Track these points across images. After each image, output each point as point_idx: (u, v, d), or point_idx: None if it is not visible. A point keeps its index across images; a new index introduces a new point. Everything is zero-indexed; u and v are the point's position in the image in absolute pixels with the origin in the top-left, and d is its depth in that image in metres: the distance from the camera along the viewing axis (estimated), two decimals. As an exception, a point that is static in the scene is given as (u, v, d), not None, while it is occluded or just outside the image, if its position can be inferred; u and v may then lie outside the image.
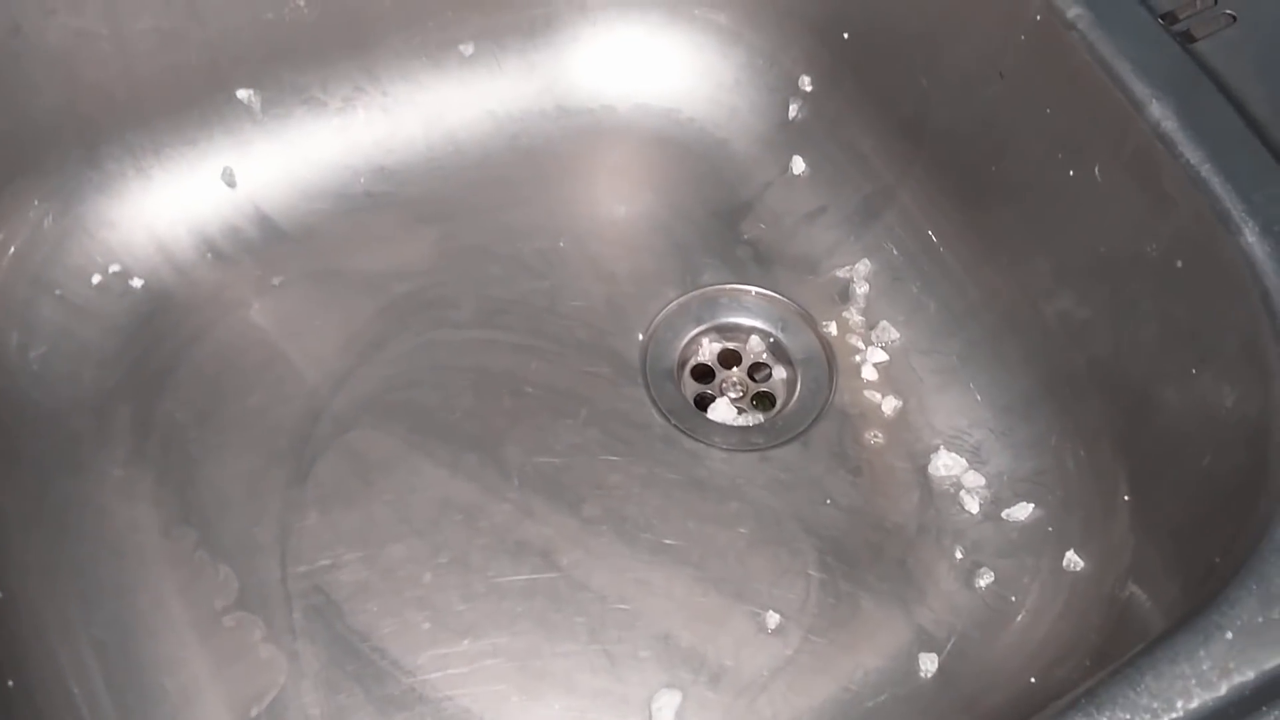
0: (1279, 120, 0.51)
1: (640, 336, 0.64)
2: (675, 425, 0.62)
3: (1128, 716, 0.37)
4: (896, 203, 0.66)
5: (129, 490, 0.57)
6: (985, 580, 0.57)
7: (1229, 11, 0.55)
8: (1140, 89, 0.52)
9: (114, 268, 0.62)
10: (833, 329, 0.65)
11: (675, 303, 0.66)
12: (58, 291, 0.61)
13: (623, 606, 0.56)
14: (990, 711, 0.52)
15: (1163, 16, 0.55)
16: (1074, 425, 0.58)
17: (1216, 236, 0.48)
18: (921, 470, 0.61)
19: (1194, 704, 0.37)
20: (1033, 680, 0.52)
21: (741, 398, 0.64)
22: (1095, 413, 0.57)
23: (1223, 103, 0.51)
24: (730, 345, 0.66)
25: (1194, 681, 0.38)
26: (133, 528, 0.56)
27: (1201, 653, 0.38)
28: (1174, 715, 0.37)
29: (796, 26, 0.69)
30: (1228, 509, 0.46)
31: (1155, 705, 0.37)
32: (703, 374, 0.65)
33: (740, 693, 0.54)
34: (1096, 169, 0.54)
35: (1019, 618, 0.56)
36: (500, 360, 0.63)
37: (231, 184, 0.65)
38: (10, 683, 0.49)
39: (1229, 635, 0.39)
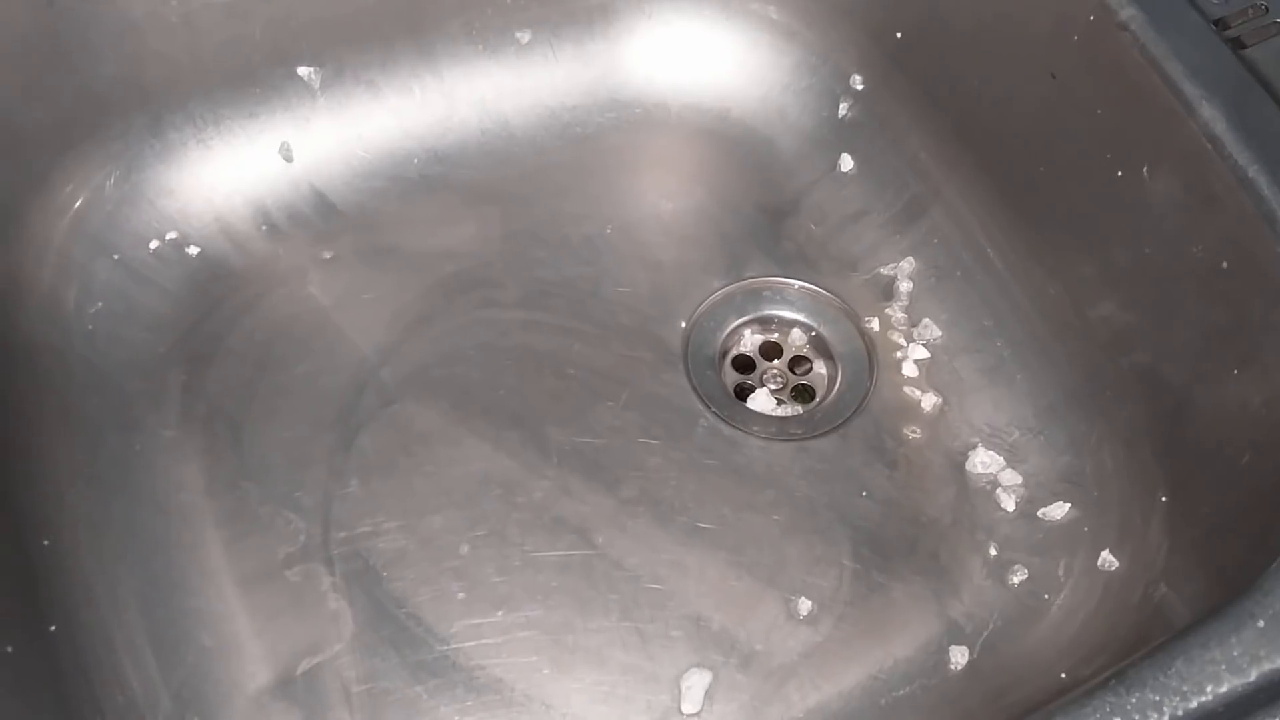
0: (1327, 125, 0.51)
1: (683, 324, 0.65)
2: (715, 412, 0.62)
3: (1157, 698, 0.37)
4: (943, 201, 0.66)
5: (178, 451, 0.58)
6: (1019, 577, 0.57)
7: (1279, 20, 0.55)
8: (1191, 90, 0.52)
9: (171, 235, 0.64)
10: (875, 325, 0.66)
11: (719, 293, 0.66)
12: (116, 256, 0.63)
13: (656, 586, 0.57)
14: (1019, 704, 0.52)
15: (1214, 23, 0.55)
16: (1114, 426, 0.58)
17: (1262, 237, 0.49)
18: (958, 467, 0.61)
19: (1223, 689, 0.38)
20: (1063, 676, 0.52)
21: (781, 389, 0.65)
22: (1136, 414, 0.57)
23: (1272, 107, 0.51)
24: (772, 338, 0.67)
25: (1224, 667, 0.38)
26: (180, 487, 0.57)
27: (1233, 639, 0.38)
28: (1203, 699, 0.37)
29: (850, 25, 0.69)
30: (1264, 507, 0.46)
31: (1185, 689, 0.37)
32: (743, 365, 0.66)
33: (769, 676, 0.55)
34: (1145, 170, 0.54)
35: (1051, 615, 0.56)
36: (544, 341, 0.64)
37: (289, 159, 0.67)
38: (53, 628, 0.50)
39: (1261, 624, 0.39)
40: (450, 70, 0.70)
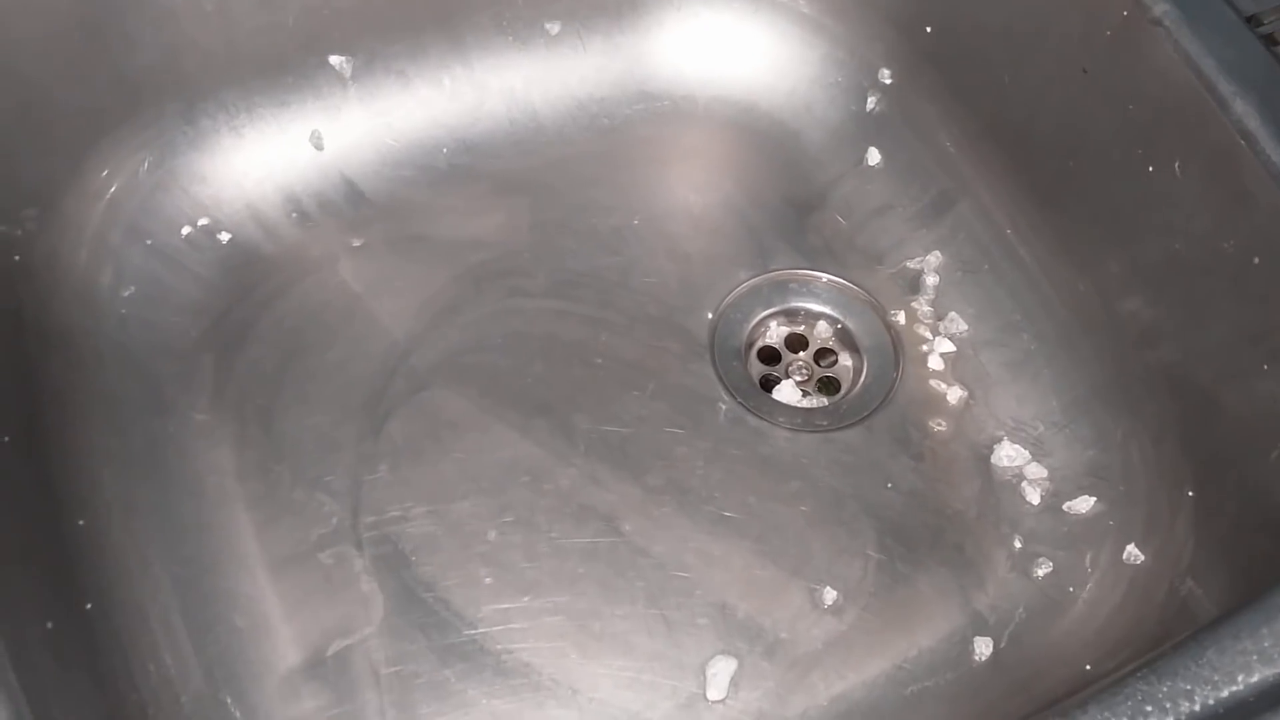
0: (1361, 122, 0.51)
1: (710, 315, 0.65)
2: (741, 403, 0.62)
3: (1188, 687, 0.37)
4: (971, 196, 0.66)
5: (210, 434, 0.59)
6: (1044, 570, 0.57)
7: (1315, 15, 0.55)
8: (1224, 87, 0.52)
9: (203, 221, 0.64)
10: (901, 318, 0.66)
11: (746, 285, 0.67)
12: (149, 241, 0.63)
13: (682, 574, 0.57)
14: (1043, 696, 0.53)
15: (1247, 19, 0.55)
16: (1141, 421, 0.58)
17: (1295, 233, 0.49)
18: (984, 460, 0.61)
19: (1255, 678, 0.38)
20: (1088, 668, 0.52)
21: (806, 381, 0.65)
22: (1164, 409, 0.57)
23: (1306, 104, 0.52)
24: (798, 330, 0.67)
25: (1255, 657, 0.38)
26: (212, 470, 0.58)
27: (1264, 629, 0.38)
28: (1234, 688, 0.37)
29: (879, 19, 0.69)
30: (1294, 501, 0.46)
31: (1216, 678, 0.38)
32: (769, 357, 0.66)
33: (794, 664, 0.55)
34: (1176, 165, 0.55)
35: (1076, 607, 0.56)
36: (571, 330, 0.64)
37: (319, 147, 0.67)
38: (89, 605, 0.51)
39: (1293, 614, 0.39)
40: (480, 61, 0.70)
